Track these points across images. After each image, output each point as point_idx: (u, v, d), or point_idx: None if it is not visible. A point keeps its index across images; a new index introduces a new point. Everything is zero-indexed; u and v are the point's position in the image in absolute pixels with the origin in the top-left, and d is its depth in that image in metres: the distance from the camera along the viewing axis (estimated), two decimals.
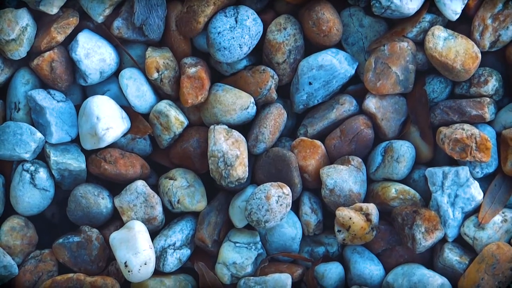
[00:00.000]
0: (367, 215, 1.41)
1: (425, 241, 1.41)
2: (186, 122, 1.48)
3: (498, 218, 1.44)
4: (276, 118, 1.46)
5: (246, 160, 1.43)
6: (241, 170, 1.42)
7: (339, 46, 1.49)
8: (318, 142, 1.47)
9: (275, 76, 1.48)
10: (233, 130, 1.45)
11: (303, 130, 1.49)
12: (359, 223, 1.41)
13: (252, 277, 1.43)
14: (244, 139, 1.45)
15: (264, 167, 1.47)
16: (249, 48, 1.46)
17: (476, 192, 1.44)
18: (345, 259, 1.47)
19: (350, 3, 1.48)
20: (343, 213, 1.42)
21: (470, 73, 1.44)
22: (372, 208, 1.42)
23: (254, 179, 1.48)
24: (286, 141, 1.50)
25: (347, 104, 1.47)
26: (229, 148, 1.42)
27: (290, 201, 1.42)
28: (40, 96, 1.46)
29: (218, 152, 1.42)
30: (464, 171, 1.44)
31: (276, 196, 1.40)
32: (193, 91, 1.46)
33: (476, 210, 1.45)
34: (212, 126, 1.45)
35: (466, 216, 1.45)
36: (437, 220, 1.42)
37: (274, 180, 1.46)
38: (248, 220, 1.42)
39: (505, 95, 1.48)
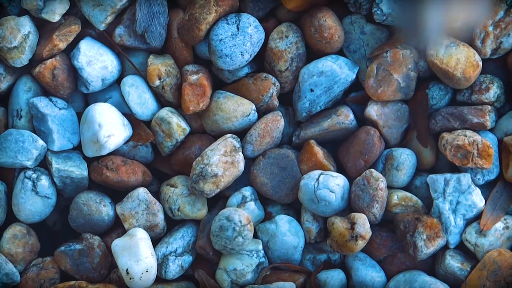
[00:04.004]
0: (352, 224, 1.41)
1: (426, 248, 1.41)
2: (188, 129, 1.49)
3: (500, 225, 1.44)
4: (267, 122, 1.46)
5: (222, 184, 1.43)
6: (208, 188, 1.43)
7: (340, 53, 1.49)
8: (316, 148, 1.47)
9: (277, 84, 1.48)
10: (240, 153, 1.45)
11: (297, 132, 1.49)
12: (338, 229, 1.41)
13: (256, 285, 1.43)
14: (241, 167, 1.45)
15: (265, 169, 1.47)
16: (251, 55, 1.46)
17: (477, 199, 1.44)
18: (347, 266, 1.47)
19: (351, 10, 1.48)
20: (330, 219, 1.42)
21: (470, 81, 1.44)
22: (359, 217, 1.41)
23: (254, 182, 1.48)
24: (288, 149, 1.50)
25: (342, 117, 1.47)
26: (216, 163, 1.42)
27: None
28: (42, 104, 1.46)
29: (206, 159, 1.42)
30: (465, 178, 1.44)
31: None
32: (195, 98, 1.46)
33: (478, 216, 1.45)
34: (228, 135, 1.45)
35: (468, 222, 1.45)
36: (438, 227, 1.42)
37: (278, 180, 1.46)
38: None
39: (506, 102, 1.48)
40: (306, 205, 1.45)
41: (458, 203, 1.44)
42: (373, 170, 1.44)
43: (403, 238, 1.44)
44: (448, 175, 1.44)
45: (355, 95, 1.51)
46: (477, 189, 1.44)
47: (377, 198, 1.42)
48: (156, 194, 1.50)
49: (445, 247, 1.45)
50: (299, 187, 1.44)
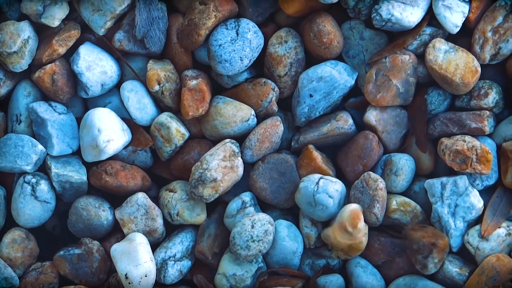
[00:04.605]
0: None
1: (435, 268, 1.42)
2: (187, 134, 1.49)
3: (503, 231, 1.44)
4: (267, 128, 1.47)
5: (221, 189, 1.43)
6: (207, 193, 1.43)
7: (339, 58, 1.49)
8: (315, 153, 1.48)
9: (276, 89, 1.48)
10: (239, 158, 1.45)
11: (297, 137, 1.50)
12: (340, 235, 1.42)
13: None
14: (240, 172, 1.45)
15: (264, 174, 1.47)
16: (250, 60, 1.47)
17: (475, 200, 1.44)
18: (347, 272, 1.47)
19: (350, 16, 1.48)
20: (323, 233, 1.44)
21: (469, 87, 1.44)
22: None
23: (253, 187, 1.48)
24: (287, 154, 1.50)
25: (342, 122, 1.47)
26: (215, 168, 1.42)
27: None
28: (42, 109, 1.46)
29: (205, 164, 1.43)
30: (462, 180, 1.44)
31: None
32: (194, 104, 1.46)
33: (478, 218, 1.45)
34: (227, 140, 1.45)
35: (470, 224, 1.45)
36: (447, 247, 1.41)
37: (277, 185, 1.46)
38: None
39: (505, 107, 1.48)
40: (302, 208, 1.45)
41: (456, 205, 1.44)
42: (370, 172, 1.44)
43: (413, 255, 1.42)
44: (444, 179, 1.44)
45: (354, 100, 1.51)
46: (475, 190, 1.44)
47: (377, 198, 1.42)
48: (155, 199, 1.50)
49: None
50: (298, 189, 1.44)
